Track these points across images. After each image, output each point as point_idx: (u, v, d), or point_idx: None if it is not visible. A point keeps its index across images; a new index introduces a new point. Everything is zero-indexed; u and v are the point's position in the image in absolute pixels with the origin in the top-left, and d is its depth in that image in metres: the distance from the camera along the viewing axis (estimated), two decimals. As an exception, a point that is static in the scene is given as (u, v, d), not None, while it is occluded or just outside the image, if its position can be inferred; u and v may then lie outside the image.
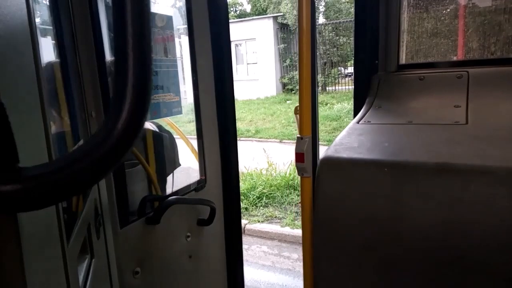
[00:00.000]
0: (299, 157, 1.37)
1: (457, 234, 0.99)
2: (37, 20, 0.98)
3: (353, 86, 2.05)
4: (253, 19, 19.84)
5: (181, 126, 2.45)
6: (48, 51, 1.08)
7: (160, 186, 2.07)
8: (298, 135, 1.42)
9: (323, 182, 1.15)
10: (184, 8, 2.05)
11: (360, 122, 1.50)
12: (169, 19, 1.86)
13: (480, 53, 1.98)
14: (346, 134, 1.36)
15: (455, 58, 2.01)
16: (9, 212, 0.49)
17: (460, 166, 1.01)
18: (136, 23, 0.45)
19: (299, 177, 1.47)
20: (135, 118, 0.47)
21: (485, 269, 0.97)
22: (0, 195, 0.42)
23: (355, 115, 1.73)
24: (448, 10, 2.15)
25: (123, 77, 0.46)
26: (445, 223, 0.99)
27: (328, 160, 1.15)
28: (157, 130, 2.05)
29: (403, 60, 1.92)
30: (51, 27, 1.08)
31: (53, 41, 1.10)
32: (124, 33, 0.45)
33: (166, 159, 2.11)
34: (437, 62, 1.92)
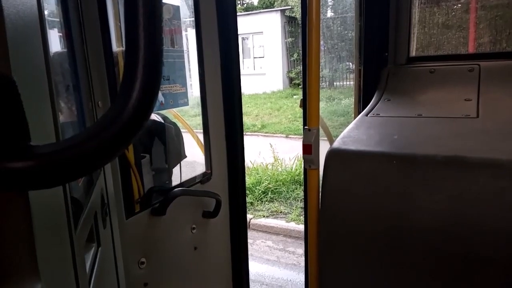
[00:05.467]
0: (307, 148, 1.35)
1: (465, 227, 0.97)
2: (46, 12, 0.98)
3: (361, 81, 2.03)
4: (260, 12, 19.69)
5: (187, 119, 2.45)
6: (56, 41, 1.08)
7: (166, 177, 2.07)
8: (306, 127, 1.41)
9: (330, 174, 1.14)
10: (191, 0, 2.04)
11: (369, 115, 1.49)
12: (176, 9, 1.85)
13: (492, 47, 1.94)
14: (355, 126, 1.35)
15: (466, 51, 1.97)
16: (21, 189, 0.48)
17: (469, 159, 0.99)
18: (148, 3, 0.45)
19: (304, 170, 1.45)
20: (146, 98, 0.47)
21: (494, 262, 0.96)
22: (12, 172, 0.42)
23: (362, 108, 1.71)
24: (460, 4, 2.10)
25: (133, 58, 0.46)
26: (453, 216, 0.98)
27: (335, 152, 1.14)
28: (162, 121, 2.05)
29: (413, 52, 1.90)
30: (59, 19, 1.08)
31: (61, 32, 1.10)
32: (135, 13, 0.45)
33: (172, 151, 2.11)
34: (448, 55, 1.89)
